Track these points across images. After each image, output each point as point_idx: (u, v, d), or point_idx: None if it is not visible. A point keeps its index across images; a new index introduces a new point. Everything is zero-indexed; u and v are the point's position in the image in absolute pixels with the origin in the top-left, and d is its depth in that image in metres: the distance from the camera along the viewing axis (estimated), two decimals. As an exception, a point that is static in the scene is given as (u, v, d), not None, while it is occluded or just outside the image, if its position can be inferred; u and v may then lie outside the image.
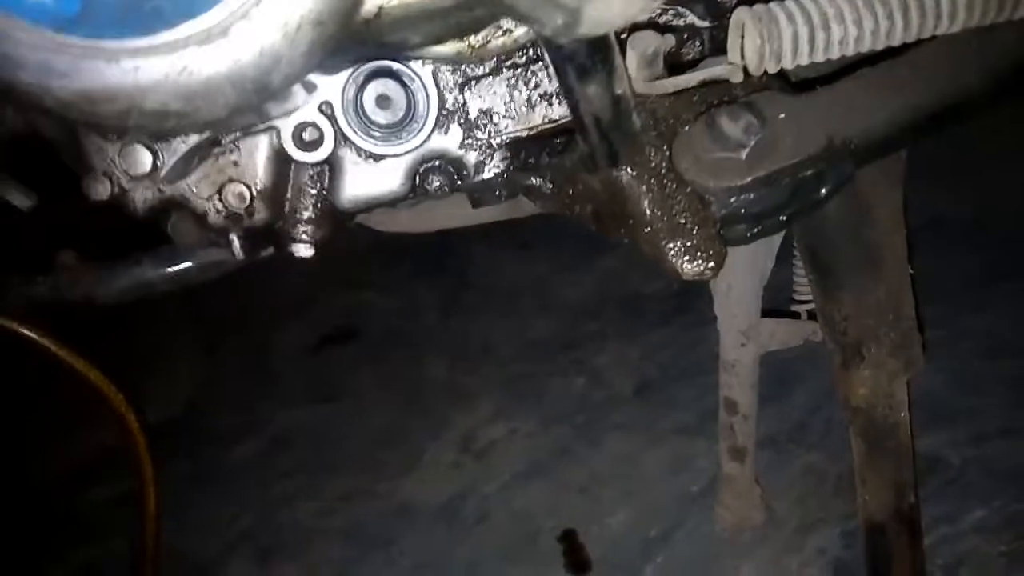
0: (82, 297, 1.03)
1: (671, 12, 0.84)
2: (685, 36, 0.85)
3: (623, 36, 0.69)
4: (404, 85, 0.74)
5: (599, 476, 1.92)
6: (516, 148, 0.87)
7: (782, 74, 0.75)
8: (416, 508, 2.02)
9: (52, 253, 1.05)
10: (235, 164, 0.84)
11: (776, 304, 1.49)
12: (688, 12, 0.84)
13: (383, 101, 0.68)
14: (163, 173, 0.79)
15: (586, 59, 0.56)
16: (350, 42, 0.72)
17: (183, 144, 0.77)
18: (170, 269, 0.99)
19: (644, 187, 0.67)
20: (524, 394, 2.31)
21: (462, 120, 0.86)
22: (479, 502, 1.97)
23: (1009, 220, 2.30)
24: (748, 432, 1.54)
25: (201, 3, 0.62)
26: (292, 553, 2.06)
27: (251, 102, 0.68)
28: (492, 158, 0.88)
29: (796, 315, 1.48)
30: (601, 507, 1.83)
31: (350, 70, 0.80)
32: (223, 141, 0.83)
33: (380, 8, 0.67)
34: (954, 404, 1.79)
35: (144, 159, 0.76)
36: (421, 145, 0.86)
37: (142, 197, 0.84)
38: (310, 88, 0.82)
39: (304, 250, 0.92)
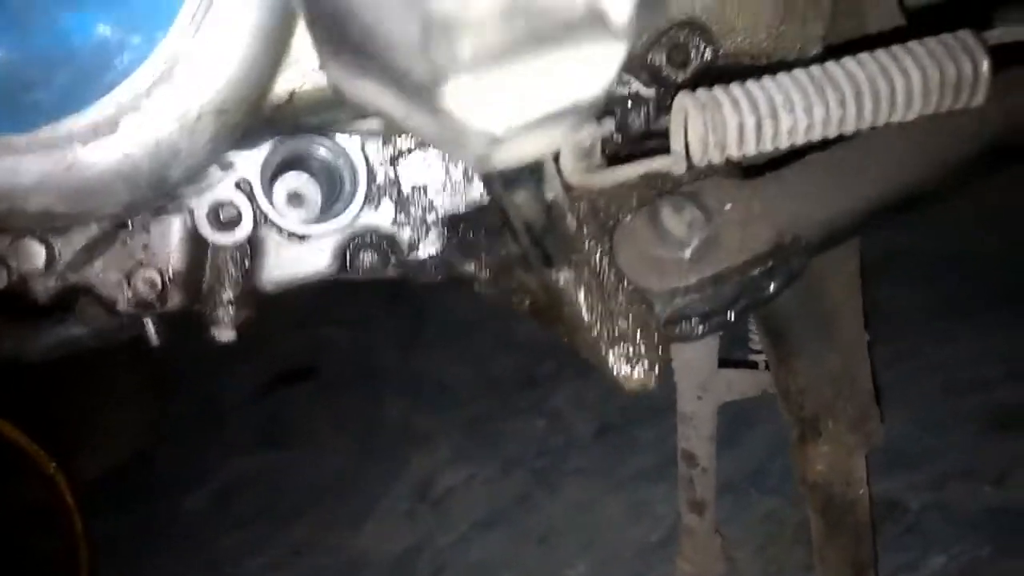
0: (6, 356, 0.96)
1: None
2: (630, 104, 0.81)
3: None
4: (320, 175, 0.67)
5: (558, 525, 1.87)
6: (453, 224, 0.82)
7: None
8: (369, 562, 1.94)
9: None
10: (145, 247, 0.77)
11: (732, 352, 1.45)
12: (633, 79, 0.80)
13: (295, 199, 0.62)
14: (62, 265, 0.72)
15: (511, 171, 0.51)
16: (262, 125, 0.66)
17: (81, 235, 0.70)
18: (96, 325, 0.92)
19: (582, 289, 0.62)
20: (483, 436, 2.25)
21: (394, 195, 0.80)
22: (435, 554, 1.90)
23: (966, 252, 2.30)
24: (708, 484, 1.50)
25: (85, 95, 0.55)
26: (240, 611, 1.97)
27: (148, 198, 0.62)
28: (427, 235, 0.82)
29: (753, 365, 1.44)
30: (560, 558, 1.78)
31: (270, 145, 0.74)
32: (130, 224, 0.76)
33: (292, 93, 0.61)
34: (913, 445, 1.77)
35: (37, 253, 0.69)
36: (350, 223, 0.80)
37: (43, 287, 0.76)
38: (225, 165, 0.75)
39: (224, 334, 0.85)
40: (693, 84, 0.76)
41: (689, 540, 1.56)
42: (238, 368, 2.75)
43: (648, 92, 0.80)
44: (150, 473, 2.36)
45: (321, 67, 0.36)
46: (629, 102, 0.81)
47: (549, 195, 0.54)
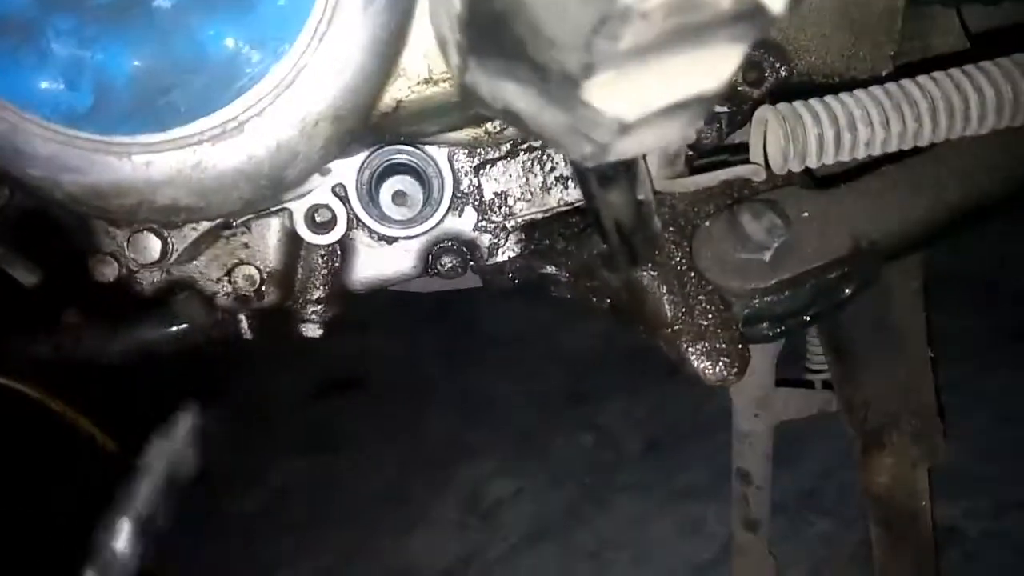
0: (84, 357, 1.01)
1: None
2: (703, 121, 0.85)
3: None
4: (421, 178, 0.72)
5: (608, 541, 1.88)
6: (530, 230, 0.86)
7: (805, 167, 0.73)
8: (419, 571, 1.97)
9: (57, 310, 1.03)
10: (246, 246, 0.83)
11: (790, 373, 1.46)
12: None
13: (399, 198, 0.67)
14: (172, 259, 0.78)
15: (609, 169, 0.55)
16: (367, 133, 0.71)
17: (194, 231, 0.76)
18: (174, 329, 0.97)
19: (664, 287, 0.66)
20: (530, 450, 2.27)
21: (476, 202, 0.85)
22: (484, 567, 1.92)
23: (1020, 278, 2.28)
24: (762, 503, 1.50)
25: (216, 99, 0.61)
26: (290, 615, 2.01)
27: (265, 196, 0.67)
28: (506, 240, 0.86)
29: (810, 384, 1.45)
30: (611, 574, 1.79)
31: (365, 153, 0.79)
32: (234, 223, 0.81)
33: (398, 103, 0.66)
34: (969, 472, 1.75)
35: (153, 247, 0.75)
36: (435, 227, 0.84)
37: (149, 279, 0.82)
38: (324, 171, 0.81)
39: (313, 330, 0.90)
40: (767, 102, 0.80)
41: (742, 559, 1.56)
42: (288, 375, 2.82)
43: (721, 109, 0.84)
44: (205, 472, 2.42)
45: (461, 71, 0.40)
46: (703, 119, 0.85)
47: (640, 195, 0.58)
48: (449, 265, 0.86)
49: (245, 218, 0.81)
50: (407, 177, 0.66)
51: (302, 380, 2.83)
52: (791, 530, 1.71)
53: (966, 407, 1.89)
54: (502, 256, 0.86)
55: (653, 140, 0.39)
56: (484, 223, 0.85)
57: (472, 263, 0.87)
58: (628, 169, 0.56)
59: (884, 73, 0.78)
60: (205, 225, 0.76)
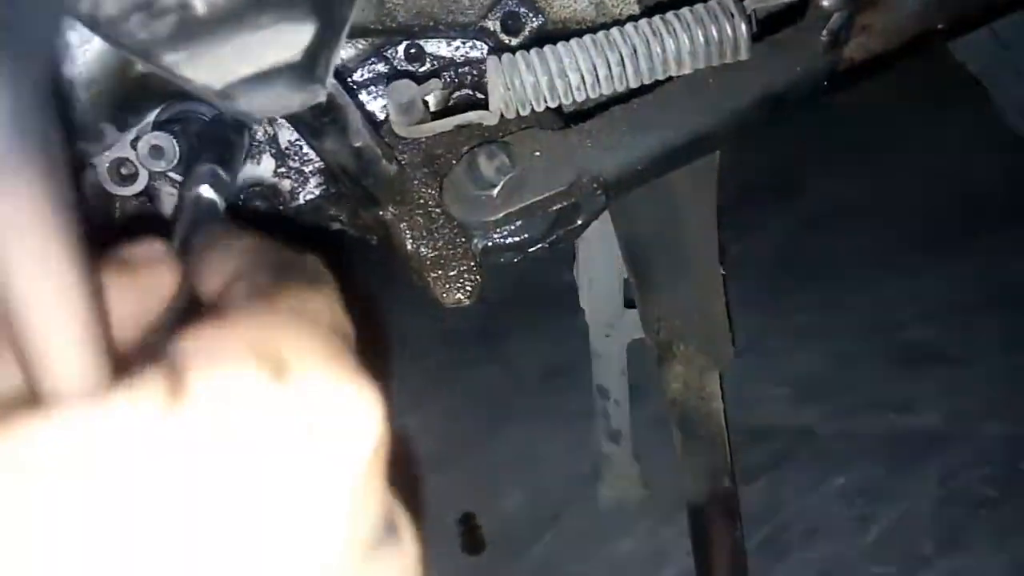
0: None
1: (468, 45, 0.91)
2: (483, 67, 0.92)
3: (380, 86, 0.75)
4: (176, 134, 0.78)
5: (500, 461, 2.01)
6: (329, 174, 0.93)
7: (557, 108, 0.81)
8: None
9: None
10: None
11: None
12: (483, 46, 0.90)
13: (155, 151, 0.73)
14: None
15: (312, 120, 0.62)
16: (136, 93, 0.76)
17: None
18: None
19: (406, 224, 0.74)
20: (439, 383, 2.37)
21: (273, 150, 0.91)
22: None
23: (906, 203, 2.41)
24: (622, 415, 1.63)
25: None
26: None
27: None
28: (306, 185, 0.93)
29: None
30: (499, 490, 1.92)
31: (158, 109, 0.85)
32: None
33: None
34: (828, 381, 1.90)
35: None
36: (235, 176, 0.91)
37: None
38: (122, 127, 0.86)
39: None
40: (527, 48, 0.87)
41: (609, 468, 1.70)
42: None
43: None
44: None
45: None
46: (482, 66, 0.92)
47: (356, 143, 0.65)
48: (258, 209, 0.93)
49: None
50: (159, 133, 0.72)
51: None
52: (660, 442, 1.84)
53: (833, 324, 2.04)
54: (303, 200, 0.93)
55: (267, 103, 0.46)
56: (283, 169, 0.92)
57: (280, 207, 0.94)
58: (335, 120, 0.63)
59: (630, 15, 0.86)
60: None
